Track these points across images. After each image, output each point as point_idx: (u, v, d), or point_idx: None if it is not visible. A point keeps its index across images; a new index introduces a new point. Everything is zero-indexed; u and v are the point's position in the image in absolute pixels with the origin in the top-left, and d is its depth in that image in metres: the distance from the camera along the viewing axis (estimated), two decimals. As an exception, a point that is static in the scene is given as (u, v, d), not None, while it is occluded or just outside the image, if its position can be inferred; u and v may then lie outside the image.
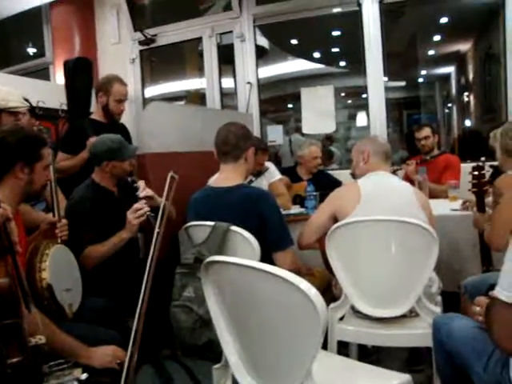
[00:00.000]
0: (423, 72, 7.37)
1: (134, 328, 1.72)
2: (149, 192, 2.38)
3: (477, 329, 1.48)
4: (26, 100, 2.86)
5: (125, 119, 3.59)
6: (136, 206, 2.26)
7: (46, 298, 1.78)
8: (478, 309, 1.38)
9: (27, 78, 4.30)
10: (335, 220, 2.13)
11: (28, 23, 5.68)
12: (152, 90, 5.81)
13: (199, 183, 2.56)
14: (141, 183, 2.40)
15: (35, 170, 1.85)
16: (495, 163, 3.47)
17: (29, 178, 1.83)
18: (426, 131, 3.78)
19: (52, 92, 3.78)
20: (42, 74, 5.37)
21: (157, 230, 2.09)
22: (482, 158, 3.32)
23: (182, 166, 3.16)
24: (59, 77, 5.04)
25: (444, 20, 5.75)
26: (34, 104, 3.64)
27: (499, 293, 1.14)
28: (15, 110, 2.43)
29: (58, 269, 1.86)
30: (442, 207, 2.95)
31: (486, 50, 5.48)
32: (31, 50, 6.10)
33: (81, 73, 3.82)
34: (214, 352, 1.80)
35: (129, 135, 3.25)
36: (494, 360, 1.34)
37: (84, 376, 1.48)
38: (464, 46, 6.62)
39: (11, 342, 0.81)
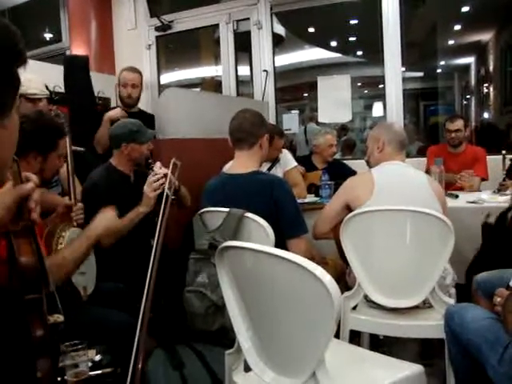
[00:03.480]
0: (442, 62, 7.26)
1: (141, 309, 1.72)
2: (164, 170, 2.39)
3: (491, 319, 1.47)
4: (47, 87, 2.89)
5: (141, 105, 3.61)
6: (152, 179, 2.27)
7: (61, 279, 1.79)
8: (498, 299, 1.36)
9: (44, 63, 4.33)
10: (349, 209, 2.12)
11: (45, 8, 5.71)
12: (168, 77, 5.82)
13: (214, 170, 2.56)
14: (157, 163, 2.42)
15: (48, 159, 1.87)
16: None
17: (41, 166, 1.84)
18: (459, 123, 3.66)
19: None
20: (59, 59, 5.39)
21: (171, 196, 2.16)
22: (503, 151, 3.28)
23: (197, 153, 3.17)
24: (76, 62, 5.05)
25: (465, 9, 5.64)
26: (51, 89, 3.67)
27: None
28: (33, 96, 2.45)
29: (73, 252, 1.87)
30: (458, 199, 2.92)
31: (508, 40, 5.38)
32: (48, 36, 6.13)
33: (77, 72, 3.70)
34: (226, 338, 1.81)
35: (152, 122, 3.25)
36: (509, 352, 1.32)
37: (98, 357, 1.49)
38: (485, 36, 6.50)
39: (34, 317, 0.83)
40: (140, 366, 1.44)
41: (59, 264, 1.64)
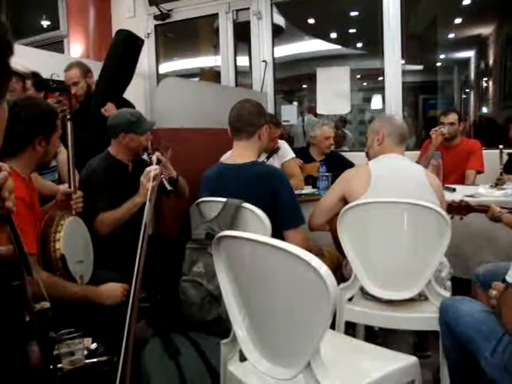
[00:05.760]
0: (442, 56, 7.23)
1: (131, 296, 1.72)
2: (161, 157, 2.39)
3: (486, 312, 1.48)
4: (36, 74, 2.87)
5: (138, 95, 3.59)
6: (149, 168, 2.24)
7: (59, 268, 1.80)
8: (494, 292, 1.37)
9: (41, 50, 4.29)
10: (345, 202, 2.12)
11: (42, -5, 5.67)
12: (166, 66, 5.78)
13: (212, 160, 2.55)
14: (156, 153, 2.41)
15: (51, 141, 1.87)
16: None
17: (45, 149, 1.85)
18: (453, 117, 3.66)
19: (66, 65, 3.75)
20: (57, 46, 5.36)
21: (168, 187, 2.25)
22: (501, 146, 3.29)
23: (195, 143, 3.18)
24: (74, 50, 5.02)
25: (466, 2, 5.61)
26: (48, 77, 3.64)
27: (510, 277, 1.13)
28: None
29: (72, 240, 1.88)
30: (456, 192, 2.93)
31: (509, 34, 5.36)
32: (45, 23, 6.07)
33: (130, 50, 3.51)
34: (221, 328, 1.82)
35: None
36: (502, 345, 1.33)
37: (94, 345, 1.50)
38: (486, 30, 6.47)
39: (19, 304, 0.83)
40: (131, 353, 1.44)
41: (56, 285, 1.73)
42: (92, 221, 2.25)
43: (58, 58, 4.25)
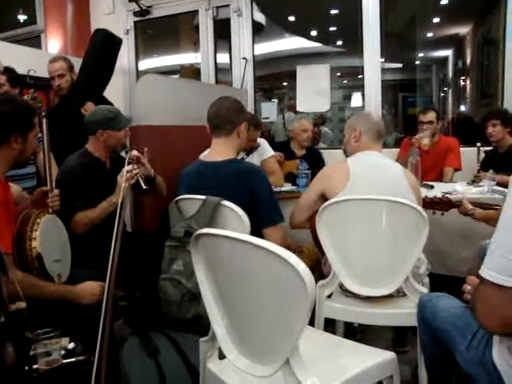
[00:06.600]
0: (421, 54, 7.32)
1: (105, 292, 1.70)
2: (139, 155, 2.37)
3: (462, 308, 1.49)
4: (11, 69, 2.82)
5: (117, 91, 3.55)
6: (125, 168, 2.21)
7: (35, 267, 1.77)
8: (468, 287, 1.38)
9: (18, 46, 4.20)
10: (324, 198, 2.12)
11: (19, -11, 5.56)
12: (146, 63, 5.74)
13: (191, 157, 2.54)
14: (133, 151, 2.39)
15: (28, 139, 1.84)
16: (489, 148, 3.51)
17: (22, 147, 1.81)
18: (431, 116, 3.69)
19: (43, 61, 3.66)
20: (34, 42, 5.26)
21: (144, 187, 2.23)
22: (478, 144, 3.35)
23: (175, 140, 3.15)
24: (51, 45, 4.94)
25: (444, 2, 5.69)
26: (25, 73, 3.57)
27: (483, 271, 1.14)
28: None
29: (49, 239, 1.85)
30: (433, 190, 2.97)
31: (485, 34, 5.45)
32: (22, 17, 5.96)
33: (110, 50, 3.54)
34: (201, 326, 1.81)
35: None
36: (477, 338, 1.35)
37: (71, 345, 1.48)
38: (463, 30, 6.57)
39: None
40: (106, 352, 1.43)
41: (32, 284, 1.70)
42: (69, 219, 2.22)
43: (35, 54, 4.18)
